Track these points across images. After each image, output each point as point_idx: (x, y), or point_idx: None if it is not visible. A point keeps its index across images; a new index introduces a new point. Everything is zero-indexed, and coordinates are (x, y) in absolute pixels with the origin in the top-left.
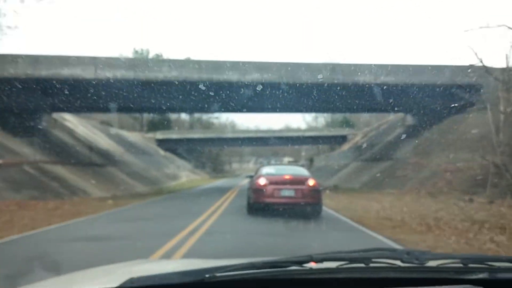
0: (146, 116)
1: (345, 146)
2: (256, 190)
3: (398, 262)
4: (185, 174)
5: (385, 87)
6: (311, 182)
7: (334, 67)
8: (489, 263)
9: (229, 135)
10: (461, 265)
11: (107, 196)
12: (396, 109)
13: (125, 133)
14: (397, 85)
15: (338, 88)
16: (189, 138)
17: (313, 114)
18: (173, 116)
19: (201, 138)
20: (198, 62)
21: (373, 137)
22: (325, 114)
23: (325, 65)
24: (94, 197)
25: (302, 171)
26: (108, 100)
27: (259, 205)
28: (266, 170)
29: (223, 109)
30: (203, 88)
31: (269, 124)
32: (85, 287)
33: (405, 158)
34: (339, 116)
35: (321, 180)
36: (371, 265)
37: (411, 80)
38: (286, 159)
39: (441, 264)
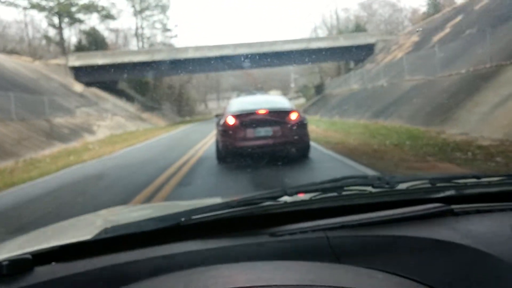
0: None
1: (392, 55)
2: (224, 133)
3: (370, 188)
4: (110, 124)
5: None
6: (293, 116)
7: None
8: (456, 181)
9: (195, 54)
10: (429, 185)
11: None
12: None
13: None
14: None
15: None
16: (130, 64)
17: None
18: (108, 34)
19: (151, 63)
20: None
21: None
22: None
23: None
24: None
25: (282, 103)
26: None
27: (229, 151)
28: (236, 105)
29: None
30: None
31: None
32: (58, 241)
33: None
34: (347, 22)
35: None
36: (344, 193)
37: None
38: (273, 93)
39: (411, 186)
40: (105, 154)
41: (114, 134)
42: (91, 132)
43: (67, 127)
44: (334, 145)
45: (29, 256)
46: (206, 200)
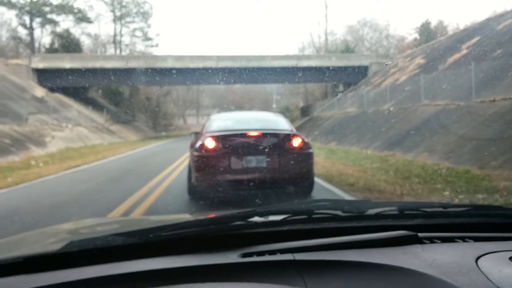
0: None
1: (393, 78)
2: (200, 160)
3: (340, 212)
4: (68, 135)
5: None
6: (295, 141)
7: None
8: (424, 209)
9: (175, 64)
10: (397, 212)
11: None
12: None
13: None
14: None
15: None
16: (102, 70)
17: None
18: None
19: (125, 70)
20: None
21: None
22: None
23: None
24: None
25: (279, 122)
26: None
27: (205, 187)
28: (219, 123)
29: None
30: None
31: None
32: (23, 251)
33: None
34: (334, 45)
35: None
36: (314, 216)
37: None
38: None
39: (380, 212)
40: (34, 178)
41: (70, 148)
42: (41, 144)
43: (11, 136)
44: (366, 191)
45: None
46: (177, 216)
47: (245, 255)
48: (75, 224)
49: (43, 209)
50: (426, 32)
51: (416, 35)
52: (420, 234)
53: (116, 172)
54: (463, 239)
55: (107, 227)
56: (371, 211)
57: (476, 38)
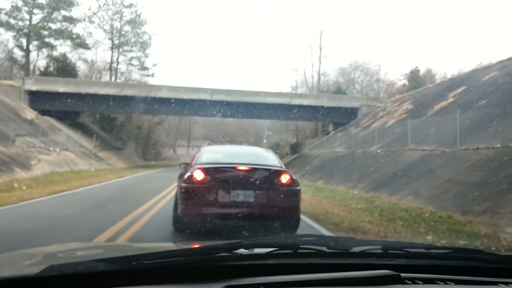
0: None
1: (382, 121)
2: (188, 192)
3: (325, 249)
4: (55, 159)
5: None
6: (284, 178)
7: None
8: (407, 249)
9: (169, 94)
10: (381, 251)
11: None
12: None
13: None
14: None
15: None
16: (95, 96)
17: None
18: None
19: (119, 98)
20: None
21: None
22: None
23: None
24: None
25: (269, 158)
26: None
27: (191, 219)
28: (209, 155)
29: None
30: None
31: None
32: (2, 272)
33: None
34: (326, 85)
35: None
36: (299, 251)
37: None
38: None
39: (364, 250)
40: (16, 201)
41: (56, 172)
42: (26, 166)
43: None
44: (351, 231)
45: None
46: (161, 244)
47: None
48: (57, 247)
49: (22, 233)
50: (415, 78)
51: (405, 81)
52: (402, 275)
53: (100, 199)
54: (445, 281)
55: (89, 252)
56: (356, 249)
57: (463, 88)
